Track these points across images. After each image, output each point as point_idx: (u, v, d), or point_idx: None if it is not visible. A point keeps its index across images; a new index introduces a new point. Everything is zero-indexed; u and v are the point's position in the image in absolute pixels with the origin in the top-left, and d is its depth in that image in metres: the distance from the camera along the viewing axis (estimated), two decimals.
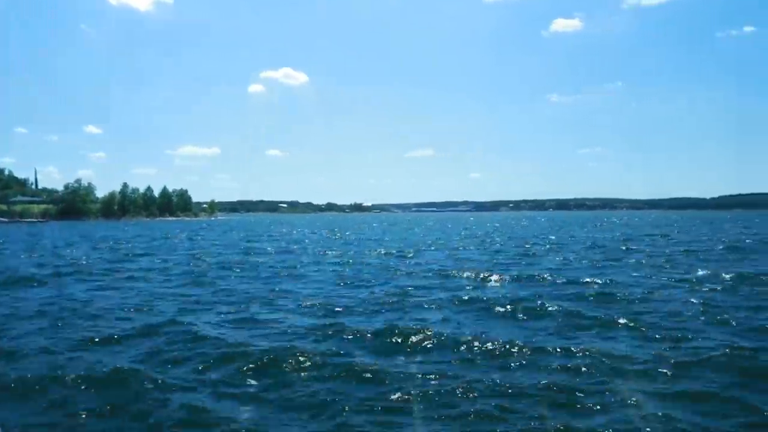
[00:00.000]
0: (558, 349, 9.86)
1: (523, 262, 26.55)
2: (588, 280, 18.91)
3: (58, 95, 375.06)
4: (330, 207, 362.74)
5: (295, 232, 72.61)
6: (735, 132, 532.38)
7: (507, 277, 19.97)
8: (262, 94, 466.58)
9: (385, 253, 32.94)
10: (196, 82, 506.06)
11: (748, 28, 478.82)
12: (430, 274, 21.97)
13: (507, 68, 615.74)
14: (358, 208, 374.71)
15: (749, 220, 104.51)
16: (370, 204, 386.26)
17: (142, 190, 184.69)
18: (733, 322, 11.93)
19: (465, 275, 20.90)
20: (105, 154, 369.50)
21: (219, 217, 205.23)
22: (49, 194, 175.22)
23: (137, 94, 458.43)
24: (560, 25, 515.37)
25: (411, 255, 31.48)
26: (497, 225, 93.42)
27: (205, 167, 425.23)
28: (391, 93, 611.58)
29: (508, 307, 13.84)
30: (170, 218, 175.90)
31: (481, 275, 20.40)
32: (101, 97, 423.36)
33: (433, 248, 37.74)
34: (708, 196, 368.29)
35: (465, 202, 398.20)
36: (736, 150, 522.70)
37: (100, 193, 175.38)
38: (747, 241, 40.63)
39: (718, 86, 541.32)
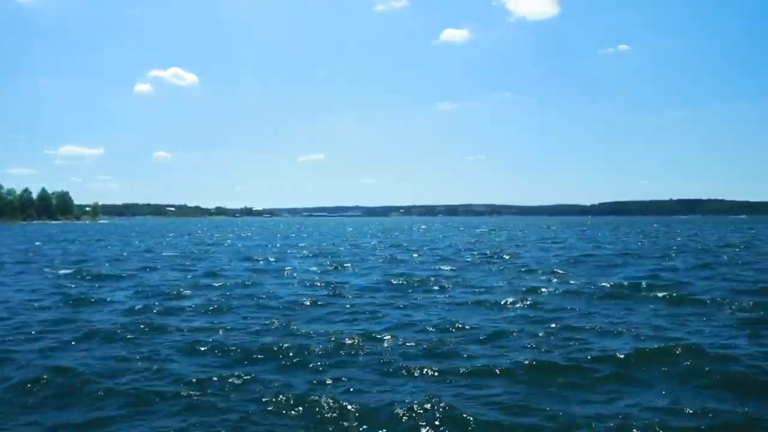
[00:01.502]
0: None
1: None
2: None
3: None
4: (220, 211, 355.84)
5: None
6: (613, 143, 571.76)
7: None
8: (149, 93, 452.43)
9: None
10: (79, 79, 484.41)
11: (622, 47, 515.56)
12: None
13: (398, 75, 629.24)
14: (248, 212, 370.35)
15: (623, 225, 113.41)
16: (260, 208, 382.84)
17: (18, 191, 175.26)
18: None
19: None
20: None
21: (102, 221, 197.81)
22: None
23: (14, 89, 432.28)
24: (449, 35, 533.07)
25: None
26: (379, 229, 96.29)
27: (88, 168, 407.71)
28: (283, 97, 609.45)
29: None
30: (50, 222, 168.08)
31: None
32: None
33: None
34: (589, 203, 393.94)
35: (356, 207, 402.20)
36: (614, 160, 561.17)
37: None
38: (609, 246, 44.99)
39: (598, 99, 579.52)
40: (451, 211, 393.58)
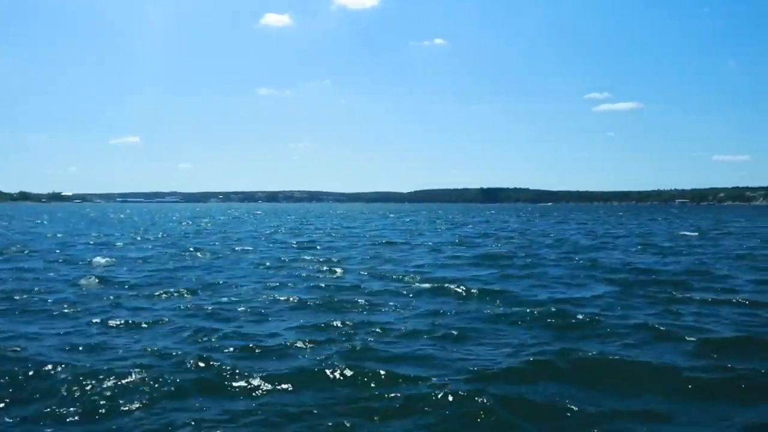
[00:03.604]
0: None
1: None
2: None
3: None
4: (24, 196, 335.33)
5: None
6: (427, 133, 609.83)
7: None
8: None
9: None
10: None
11: (438, 41, 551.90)
12: None
13: (218, 58, 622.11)
14: (56, 197, 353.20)
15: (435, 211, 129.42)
16: (70, 193, 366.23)
17: None
18: None
19: None
20: None
21: None
22: None
23: None
24: (271, 19, 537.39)
25: None
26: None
27: None
28: (94, 75, 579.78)
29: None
30: None
31: None
32: None
33: None
34: (405, 191, 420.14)
35: (173, 193, 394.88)
36: (428, 149, 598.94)
37: None
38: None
39: (414, 90, 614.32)
40: (272, 197, 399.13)
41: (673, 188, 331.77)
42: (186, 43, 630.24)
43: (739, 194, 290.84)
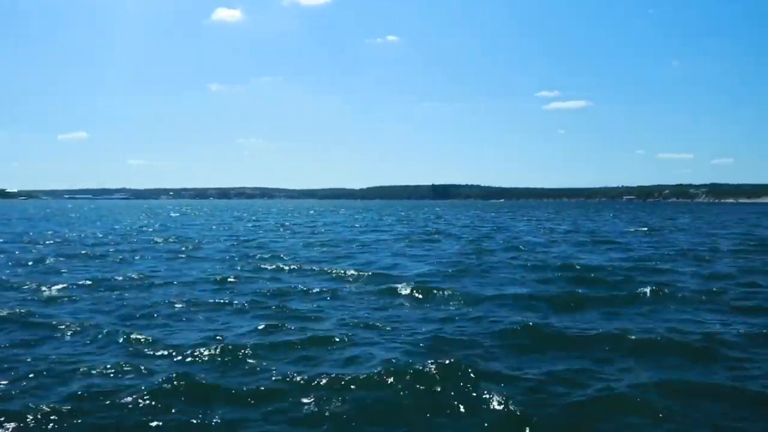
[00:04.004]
0: None
1: None
2: None
3: None
4: None
5: None
6: (381, 131, 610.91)
7: None
8: None
9: None
10: None
11: (391, 38, 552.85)
12: None
13: (166, 54, 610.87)
14: (1, 194, 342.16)
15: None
16: (15, 190, 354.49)
17: None
18: None
19: None
20: None
21: None
22: None
23: None
24: (222, 14, 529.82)
25: None
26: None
27: None
28: (41, 72, 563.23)
29: None
30: None
31: None
32: None
33: None
34: (357, 187, 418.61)
35: (122, 190, 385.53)
36: (381, 147, 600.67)
37: None
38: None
39: (367, 87, 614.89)
40: (223, 194, 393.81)
41: (620, 185, 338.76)
42: (136, 38, 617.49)
43: (682, 191, 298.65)
